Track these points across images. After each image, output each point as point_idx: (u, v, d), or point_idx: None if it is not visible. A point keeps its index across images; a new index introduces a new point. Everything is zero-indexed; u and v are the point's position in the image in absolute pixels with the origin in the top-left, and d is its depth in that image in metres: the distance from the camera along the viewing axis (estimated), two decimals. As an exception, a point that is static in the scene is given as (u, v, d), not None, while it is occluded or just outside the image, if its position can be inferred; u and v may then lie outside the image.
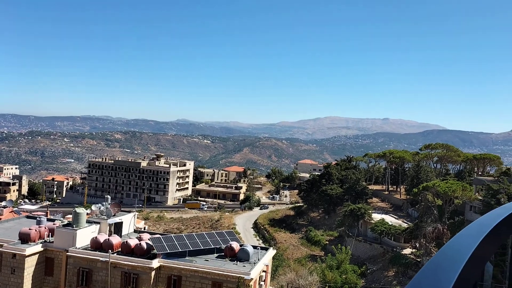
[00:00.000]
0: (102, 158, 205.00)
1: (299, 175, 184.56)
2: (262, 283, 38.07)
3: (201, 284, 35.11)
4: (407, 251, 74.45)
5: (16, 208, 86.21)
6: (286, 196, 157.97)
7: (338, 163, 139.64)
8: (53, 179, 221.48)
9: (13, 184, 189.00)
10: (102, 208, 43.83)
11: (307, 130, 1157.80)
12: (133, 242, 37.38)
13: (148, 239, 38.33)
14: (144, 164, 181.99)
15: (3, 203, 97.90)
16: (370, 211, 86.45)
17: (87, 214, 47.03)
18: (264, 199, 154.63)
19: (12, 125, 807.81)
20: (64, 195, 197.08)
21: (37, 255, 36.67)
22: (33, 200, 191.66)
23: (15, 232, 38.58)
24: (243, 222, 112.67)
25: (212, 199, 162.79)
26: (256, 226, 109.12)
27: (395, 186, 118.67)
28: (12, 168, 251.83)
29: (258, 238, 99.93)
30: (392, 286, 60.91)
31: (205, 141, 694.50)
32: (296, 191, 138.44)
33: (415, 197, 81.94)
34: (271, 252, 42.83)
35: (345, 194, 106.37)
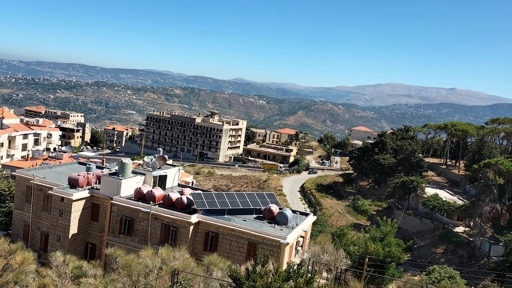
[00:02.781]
0: (160, 112, 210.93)
1: (352, 142, 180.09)
2: (299, 248, 37.41)
3: (237, 243, 35.06)
4: (460, 229, 70.89)
5: (75, 154, 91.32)
6: (336, 162, 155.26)
7: (394, 132, 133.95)
8: (113, 128, 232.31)
9: (77, 131, 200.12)
10: (147, 160, 44.64)
11: (366, 96, 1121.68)
12: (174, 195, 37.79)
13: (190, 194, 38.58)
14: (198, 120, 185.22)
15: (63, 148, 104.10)
16: (423, 185, 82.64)
17: (139, 164, 48.23)
18: (313, 164, 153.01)
19: (80, 74, 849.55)
20: (123, 145, 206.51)
21: (83, 201, 38.14)
22: (94, 148, 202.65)
23: (66, 177, 40.19)
24: (290, 185, 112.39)
25: (262, 160, 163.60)
26: (302, 190, 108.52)
27: (454, 161, 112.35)
28: (78, 116, 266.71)
29: (303, 202, 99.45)
30: (440, 263, 58.43)
31: (261, 101, 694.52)
32: (347, 158, 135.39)
33: (474, 174, 77.05)
34: (311, 218, 41.87)
35: (398, 165, 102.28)
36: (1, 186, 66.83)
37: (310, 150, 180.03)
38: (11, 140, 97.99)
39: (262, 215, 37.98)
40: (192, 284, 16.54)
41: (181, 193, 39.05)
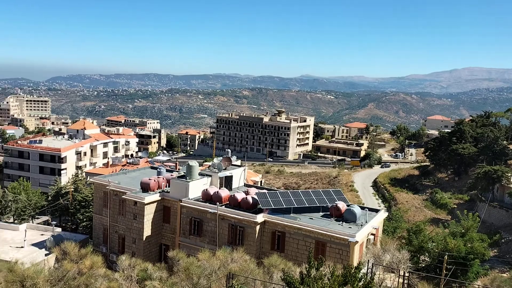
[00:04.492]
0: (229, 114, 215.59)
1: (428, 132, 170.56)
2: (370, 247, 35.89)
3: (304, 242, 34.44)
4: (555, 222, 64.05)
5: (150, 159, 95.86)
6: (411, 155, 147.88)
7: (473, 119, 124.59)
8: (187, 132, 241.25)
9: (154, 137, 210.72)
10: (215, 161, 45.47)
11: (441, 83, 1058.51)
12: (240, 196, 38.05)
13: (255, 194, 38.62)
14: (266, 119, 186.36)
15: (140, 154, 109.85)
16: (508, 174, 75.80)
17: (209, 166, 49.23)
18: (386, 157, 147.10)
19: (155, 83, 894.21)
20: (196, 148, 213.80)
21: (155, 204, 39.70)
22: (170, 152, 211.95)
23: (139, 181, 42.07)
24: (362, 180, 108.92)
25: (331, 155, 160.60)
26: (375, 185, 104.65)
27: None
28: (154, 123, 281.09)
29: (377, 197, 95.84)
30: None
31: (329, 96, 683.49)
32: (423, 149, 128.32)
33: None
34: (382, 214, 40.05)
35: (479, 154, 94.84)
36: (84, 193, 72.03)
37: (382, 143, 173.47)
38: (93, 149, 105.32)
39: (329, 213, 37.00)
40: (250, 287, 16.32)
41: (247, 193, 39.22)
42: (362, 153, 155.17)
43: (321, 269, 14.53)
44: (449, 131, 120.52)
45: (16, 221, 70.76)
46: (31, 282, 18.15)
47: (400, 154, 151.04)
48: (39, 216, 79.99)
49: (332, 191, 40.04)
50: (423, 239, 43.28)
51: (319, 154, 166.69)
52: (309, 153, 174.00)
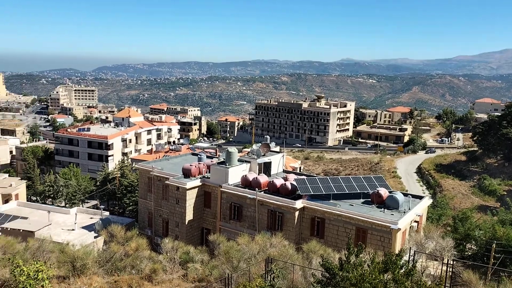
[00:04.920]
0: (267, 100, 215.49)
1: (476, 116, 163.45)
2: (412, 234, 35.13)
3: (344, 229, 34.21)
4: None
5: (191, 146, 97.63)
6: (458, 140, 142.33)
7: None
8: (226, 119, 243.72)
9: (194, 124, 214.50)
10: (254, 148, 45.76)
11: (491, 64, 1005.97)
12: (278, 182, 38.20)
13: (293, 180, 38.64)
14: (305, 105, 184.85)
15: (182, 141, 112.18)
16: None
17: (248, 152, 49.67)
18: (431, 142, 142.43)
19: (195, 71, 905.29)
20: (235, 134, 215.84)
21: (196, 189, 40.60)
22: (210, 139, 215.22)
23: (181, 167, 43.09)
24: (405, 166, 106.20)
25: (373, 141, 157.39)
26: (419, 171, 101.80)
27: None
28: (195, 110, 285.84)
29: (421, 184, 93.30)
30: None
31: (370, 80, 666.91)
32: (470, 134, 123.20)
33: None
34: (426, 201, 39.01)
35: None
36: (130, 178, 74.70)
37: (427, 128, 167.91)
38: (137, 136, 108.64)
39: (370, 200, 36.48)
40: (289, 272, 16.47)
41: (285, 179, 39.30)
42: (406, 139, 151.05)
43: (361, 255, 14.42)
44: (499, 114, 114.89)
45: (67, 205, 74.61)
46: (81, 263, 19.20)
47: (446, 139, 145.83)
48: (88, 201, 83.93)
49: (373, 178, 39.39)
50: (470, 226, 41.81)
51: (360, 140, 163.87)
52: (350, 138, 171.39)
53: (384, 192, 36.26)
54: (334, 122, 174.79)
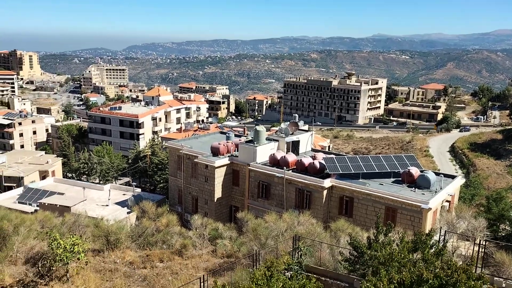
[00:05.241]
0: (296, 78, 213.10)
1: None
2: (444, 214, 34.49)
3: (373, 208, 33.94)
4: None
5: (220, 124, 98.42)
6: (494, 117, 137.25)
7: None
8: (254, 98, 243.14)
9: (223, 102, 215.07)
10: (282, 126, 45.61)
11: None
12: (307, 160, 38.08)
13: (322, 159, 38.41)
14: (335, 83, 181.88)
15: (210, 119, 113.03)
16: None
17: (277, 131, 49.66)
18: (465, 120, 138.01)
19: (223, 49, 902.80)
20: (263, 113, 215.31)
21: (225, 167, 41.01)
22: (238, 117, 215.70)
23: (209, 146, 43.53)
24: (438, 145, 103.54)
25: (405, 119, 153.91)
26: (453, 150, 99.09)
27: None
28: (223, 89, 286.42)
29: (454, 163, 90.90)
30: None
31: (403, 56, 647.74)
32: (508, 111, 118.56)
33: None
34: (459, 181, 38.08)
35: None
36: (161, 156, 76.17)
37: (462, 105, 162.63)
38: (167, 115, 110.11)
39: (400, 179, 35.92)
40: (316, 250, 16.54)
41: (314, 157, 39.12)
42: (439, 117, 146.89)
43: (390, 235, 14.27)
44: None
45: (101, 182, 77.06)
46: (115, 237, 19.90)
47: (482, 117, 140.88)
48: (121, 178, 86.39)
49: (404, 156, 38.68)
50: (504, 207, 40.68)
51: (391, 118, 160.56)
52: (381, 117, 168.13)
53: (415, 171, 35.60)
54: (365, 100, 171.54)
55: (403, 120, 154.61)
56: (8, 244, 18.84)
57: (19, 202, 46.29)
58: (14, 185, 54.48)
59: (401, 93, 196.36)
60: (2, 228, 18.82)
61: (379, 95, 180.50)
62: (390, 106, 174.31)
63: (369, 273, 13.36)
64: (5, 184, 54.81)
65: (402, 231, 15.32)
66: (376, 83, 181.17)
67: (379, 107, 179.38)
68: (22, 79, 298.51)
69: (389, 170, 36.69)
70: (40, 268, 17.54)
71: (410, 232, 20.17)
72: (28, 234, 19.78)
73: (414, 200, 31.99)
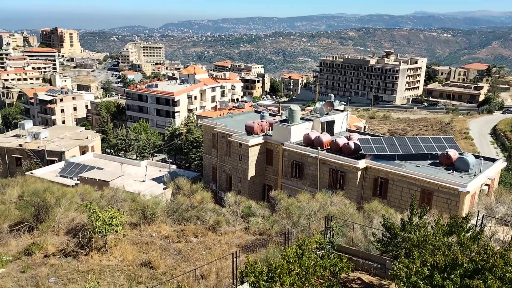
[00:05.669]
0: (333, 57, 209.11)
1: None
2: (482, 198, 33.46)
3: (408, 190, 33.36)
4: None
5: (254, 103, 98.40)
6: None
7: None
8: (289, 77, 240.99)
9: (258, 81, 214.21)
10: (317, 106, 45.13)
11: None
12: (341, 141, 37.66)
13: (357, 139, 37.88)
14: (372, 62, 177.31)
15: (245, 98, 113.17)
16: None
17: (312, 111, 49.27)
18: (509, 102, 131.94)
19: (259, 27, 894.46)
20: (298, 92, 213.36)
21: (258, 146, 41.16)
22: (273, 96, 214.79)
23: (244, 125, 43.71)
24: (479, 127, 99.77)
25: (445, 100, 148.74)
26: (494, 133, 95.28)
27: None
28: (258, 67, 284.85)
29: (495, 146, 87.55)
30: None
31: (445, 35, 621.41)
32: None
33: None
34: (499, 164, 36.74)
35: None
36: (196, 134, 77.29)
37: (506, 86, 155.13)
38: (202, 93, 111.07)
39: (438, 161, 35.01)
40: (349, 230, 16.50)
41: (349, 138, 38.64)
42: (481, 98, 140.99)
43: (424, 217, 14.02)
44: None
45: (138, 158, 79.25)
46: (151, 212, 20.56)
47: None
48: (157, 154, 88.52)
49: (442, 138, 37.60)
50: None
51: (430, 99, 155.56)
52: (419, 97, 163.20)
53: (453, 153, 34.57)
54: (403, 80, 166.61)
55: (442, 101, 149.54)
56: (50, 216, 19.83)
57: (60, 176, 48.32)
58: (56, 159, 56.84)
59: (442, 73, 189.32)
60: (45, 200, 19.78)
61: (418, 74, 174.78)
62: (429, 86, 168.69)
63: (402, 255, 13.24)
64: (48, 158, 57.27)
65: (437, 214, 15.01)
66: (416, 63, 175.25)
67: (417, 87, 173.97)
68: (63, 56, 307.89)
69: (426, 152, 35.81)
70: (80, 239, 18.41)
71: (446, 216, 19.74)
72: (69, 206, 20.72)
73: (452, 183, 31.21)
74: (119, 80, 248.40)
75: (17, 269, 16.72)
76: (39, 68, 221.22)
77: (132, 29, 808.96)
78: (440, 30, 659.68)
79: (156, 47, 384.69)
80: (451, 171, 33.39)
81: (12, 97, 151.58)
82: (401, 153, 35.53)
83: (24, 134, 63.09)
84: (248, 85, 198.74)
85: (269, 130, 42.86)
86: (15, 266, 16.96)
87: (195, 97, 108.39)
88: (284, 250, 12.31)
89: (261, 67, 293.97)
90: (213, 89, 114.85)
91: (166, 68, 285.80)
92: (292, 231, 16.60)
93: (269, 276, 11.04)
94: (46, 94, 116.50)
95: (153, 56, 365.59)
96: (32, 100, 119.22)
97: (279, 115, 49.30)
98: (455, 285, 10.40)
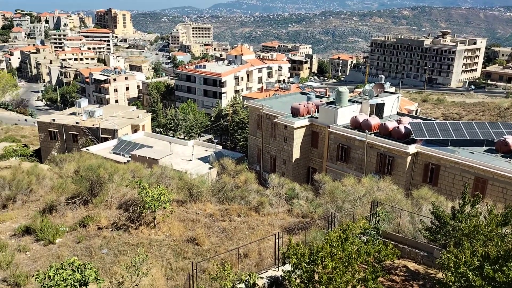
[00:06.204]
0: (385, 37, 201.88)
1: None
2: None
3: (461, 177, 32.01)
4: None
5: (301, 85, 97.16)
6: None
7: None
8: (338, 58, 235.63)
9: (305, 62, 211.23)
10: (367, 88, 43.94)
11: None
12: (391, 124, 36.56)
13: (408, 123, 36.63)
14: (427, 42, 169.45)
15: (292, 79, 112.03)
16: None
17: (360, 93, 48.17)
18: None
19: (308, 6, 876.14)
20: (347, 74, 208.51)
21: (304, 128, 40.83)
22: (321, 78, 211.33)
23: (289, 106, 43.43)
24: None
25: (505, 84, 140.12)
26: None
27: None
28: (306, 48, 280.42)
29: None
30: None
31: (508, 13, 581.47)
32: None
33: None
34: None
35: None
36: (241, 115, 77.79)
37: None
38: (248, 74, 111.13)
39: (494, 148, 33.26)
40: (395, 216, 16.08)
41: (399, 122, 37.41)
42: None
43: (477, 206, 13.39)
44: None
45: (185, 138, 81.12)
46: (197, 190, 21.04)
47: None
48: (203, 134, 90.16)
49: (500, 124, 35.63)
50: None
51: (489, 82, 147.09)
52: (477, 80, 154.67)
53: (512, 140, 32.67)
54: (460, 62, 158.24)
55: (502, 84, 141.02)
56: (104, 190, 20.80)
57: (113, 153, 50.47)
58: (110, 137, 59.35)
59: (502, 55, 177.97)
60: (99, 176, 20.75)
61: (477, 56, 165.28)
62: (488, 68, 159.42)
63: (451, 244, 12.78)
64: (102, 136, 59.91)
65: (491, 203, 14.29)
66: (474, 43, 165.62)
67: (475, 70, 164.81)
68: (116, 37, 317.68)
69: (482, 138, 34.09)
70: (131, 214, 19.22)
71: (501, 205, 18.78)
72: (121, 182, 21.61)
73: (509, 171, 29.62)
74: (169, 61, 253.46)
75: (73, 240, 17.77)
76: (94, 49, 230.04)
77: (182, 9, 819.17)
78: (503, 8, 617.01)
79: (205, 28, 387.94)
80: (508, 159, 31.65)
81: (69, 76, 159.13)
82: (455, 138, 34.02)
83: (80, 112, 66.19)
84: (295, 66, 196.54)
85: (315, 112, 42.34)
86: (71, 237, 18.02)
87: (242, 78, 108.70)
88: (327, 233, 12.21)
89: (309, 47, 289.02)
90: (260, 70, 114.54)
91: (214, 49, 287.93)
92: (336, 215, 16.41)
93: (311, 258, 11.02)
94: (101, 74, 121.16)
95: (202, 36, 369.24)
96: (88, 80, 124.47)
97: (326, 97, 48.48)
98: (507, 278, 9.92)
